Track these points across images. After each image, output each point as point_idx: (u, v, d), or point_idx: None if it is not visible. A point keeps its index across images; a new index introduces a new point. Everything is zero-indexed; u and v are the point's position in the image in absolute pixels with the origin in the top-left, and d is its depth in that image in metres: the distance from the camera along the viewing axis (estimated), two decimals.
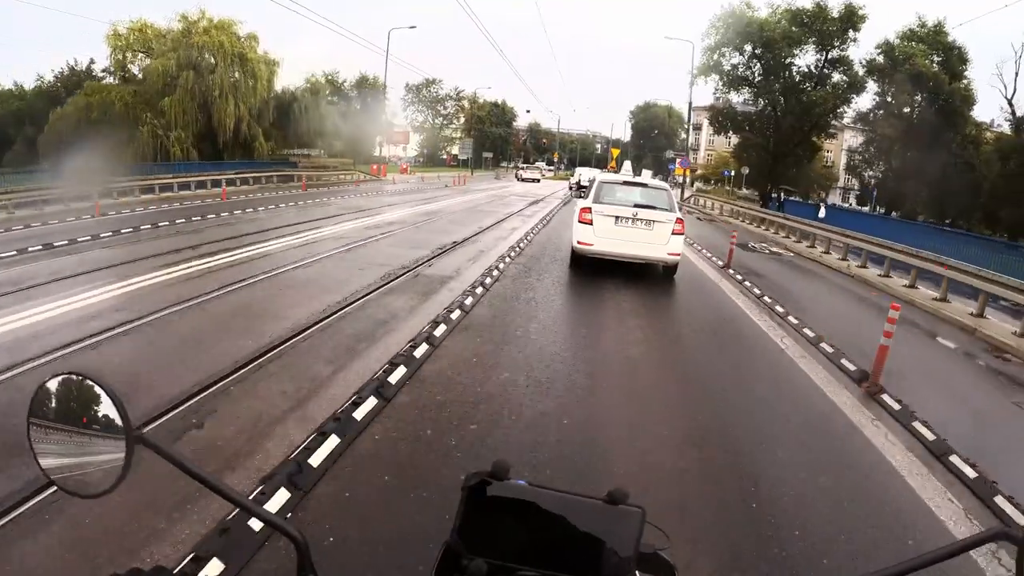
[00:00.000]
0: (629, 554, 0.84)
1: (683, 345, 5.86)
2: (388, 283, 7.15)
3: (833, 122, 32.79)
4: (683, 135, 59.09)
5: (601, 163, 56.31)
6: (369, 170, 33.81)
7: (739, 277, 9.47)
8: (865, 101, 32.00)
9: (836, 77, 31.55)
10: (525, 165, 55.83)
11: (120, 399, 0.71)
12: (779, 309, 7.38)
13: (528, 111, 71.61)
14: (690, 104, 34.45)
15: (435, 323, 5.36)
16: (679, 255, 8.39)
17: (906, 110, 30.90)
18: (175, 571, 2.13)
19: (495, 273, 7.97)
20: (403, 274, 7.71)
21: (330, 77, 43.04)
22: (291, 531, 0.77)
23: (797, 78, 32.27)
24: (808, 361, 5.58)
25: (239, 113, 24.87)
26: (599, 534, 0.85)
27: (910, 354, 6.54)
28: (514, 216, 16.98)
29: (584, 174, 31.82)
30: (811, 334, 6.36)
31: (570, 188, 31.50)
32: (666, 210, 8.20)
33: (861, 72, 30.81)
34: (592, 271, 8.69)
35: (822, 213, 18.10)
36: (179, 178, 18.91)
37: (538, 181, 42.77)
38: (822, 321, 7.01)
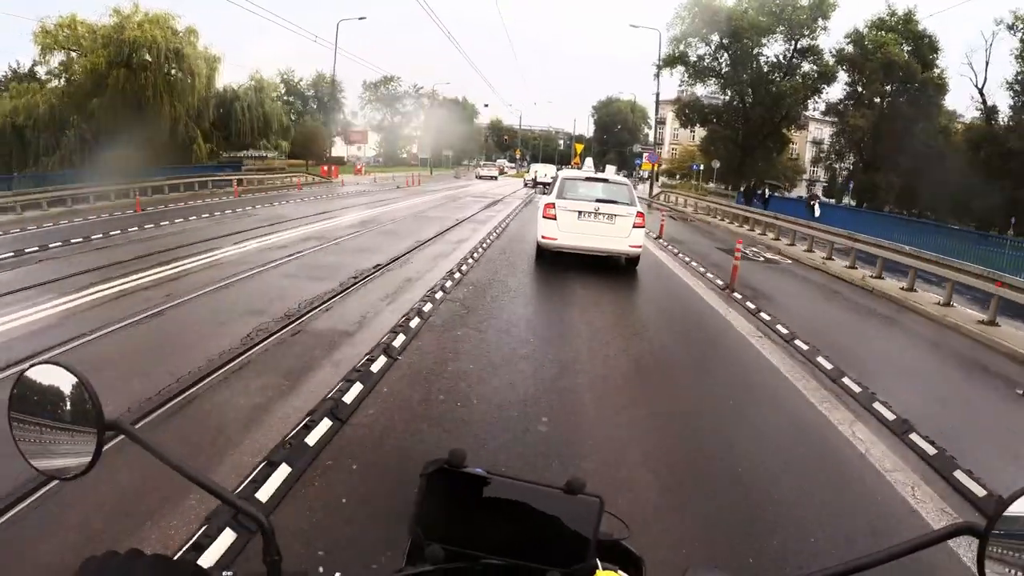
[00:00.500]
0: (588, 542, 0.78)
1: (718, 461, 3.56)
2: (247, 351, 4.61)
3: (804, 112, 31.67)
4: (647, 130, 57.80)
5: (564, 159, 54.73)
6: (319, 172, 30.96)
7: (751, 306, 7.28)
8: (836, 92, 30.94)
9: (806, 67, 30.51)
10: (485, 163, 54.72)
11: (91, 386, 0.71)
12: (826, 364, 5.16)
13: (486, 105, 68.86)
14: (657, 95, 32.72)
15: (271, 464, 2.90)
16: (640, 247, 8.51)
17: (877, 100, 29.89)
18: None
19: (416, 322, 5.50)
20: (280, 330, 5.18)
21: (285, 76, 40.69)
22: (258, 516, 0.75)
23: (766, 68, 31.04)
24: (921, 492, 3.33)
25: (175, 114, 22.63)
26: (557, 522, 0.78)
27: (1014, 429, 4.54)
28: (464, 223, 14.46)
29: (540, 170, 34.18)
30: (889, 415, 4.20)
31: (525, 184, 34.69)
32: (627, 204, 8.32)
33: (831, 61, 29.71)
34: (559, 313, 6.42)
35: (818, 211, 16.17)
36: (95, 188, 16.05)
37: (495, 178, 41.93)
38: (887, 382, 4.86)
